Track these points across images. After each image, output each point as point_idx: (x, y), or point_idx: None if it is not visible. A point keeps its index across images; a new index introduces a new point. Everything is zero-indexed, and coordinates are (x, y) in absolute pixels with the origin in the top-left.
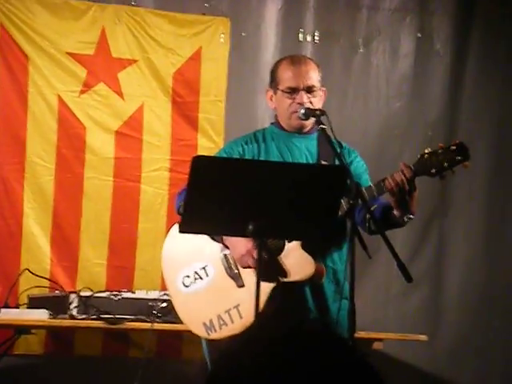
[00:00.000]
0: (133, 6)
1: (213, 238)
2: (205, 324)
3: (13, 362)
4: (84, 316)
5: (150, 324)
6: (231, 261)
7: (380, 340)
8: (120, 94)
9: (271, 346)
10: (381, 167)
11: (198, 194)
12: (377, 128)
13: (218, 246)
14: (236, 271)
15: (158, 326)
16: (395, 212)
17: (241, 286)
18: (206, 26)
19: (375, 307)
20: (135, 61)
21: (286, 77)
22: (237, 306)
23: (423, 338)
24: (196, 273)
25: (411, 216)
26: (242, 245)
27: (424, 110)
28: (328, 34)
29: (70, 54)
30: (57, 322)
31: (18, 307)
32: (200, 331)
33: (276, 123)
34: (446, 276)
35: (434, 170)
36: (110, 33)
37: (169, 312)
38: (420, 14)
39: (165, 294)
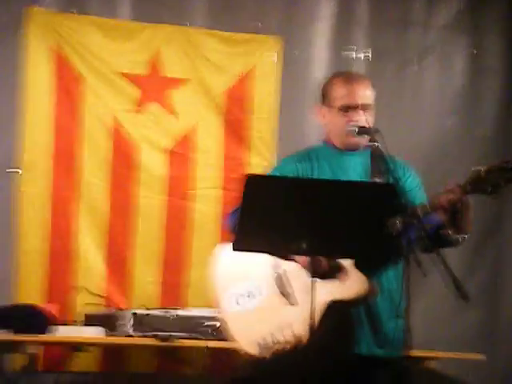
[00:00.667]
0: (186, 26)
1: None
2: (258, 342)
3: (70, 379)
4: (139, 334)
5: (203, 342)
6: (284, 279)
7: (434, 359)
8: (173, 112)
9: None
10: (433, 185)
11: (252, 212)
12: (429, 145)
13: (269, 263)
14: (289, 289)
15: (211, 343)
16: (448, 230)
17: (294, 304)
18: (258, 44)
19: (430, 325)
20: (188, 80)
21: (342, 94)
22: (290, 325)
23: (479, 357)
24: (248, 291)
25: (465, 236)
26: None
27: (477, 128)
28: (380, 52)
29: (124, 74)
30: (112, 340)
31: (74, 325)
32: (254, 350)
33: (328, 141)
34: (503, 295)
35: (489, 189)
36: (163, 53)
37: (221, 329)
38: (473, 31)
39: (218, 312)
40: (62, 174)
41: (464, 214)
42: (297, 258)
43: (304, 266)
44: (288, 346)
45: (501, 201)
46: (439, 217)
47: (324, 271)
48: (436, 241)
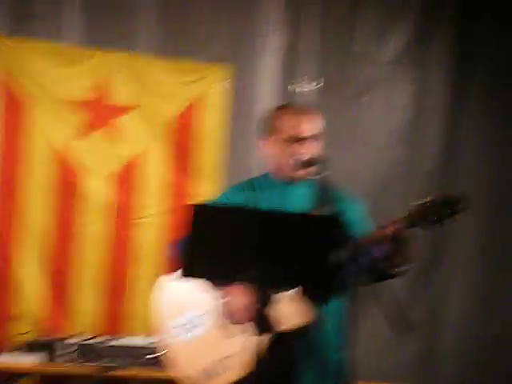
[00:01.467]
0: (134, 52)
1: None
2: (199, 372)
3: None
4: (79, 361)
5: (145, 371)
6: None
7: None
8: (119, 140)
9: None
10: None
11: (199, 241)
12: (374, 177)
13: (213, 294)
14: (227, 322)
15: (150, 373)
16: (384, 264)
17: (233, 336)
18: (207, 72)
19: (371, 356)
20: (136, 106)
21: (288, 126)
22: (230, 356)
23: None
24: (192, 321)
25: (409, 266)
26: (239, 300)
27: (421, 161)
28: (329, 83)
29: (70, 101)
30: (51, 368)
31: (12, 353)
32: (195, 379)
33: (272, 171)
34: (442, 325)
35: (424, 223)
36: (111, 79)
37: (161, 358)
38: (418, 66)
39: (160, 341)
40: (3, 200)
41: (407, 245)
42: (231, 314)
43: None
44: (230, 378)
45: (442, 233)
46: (382, 249)
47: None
48: (377, 274)
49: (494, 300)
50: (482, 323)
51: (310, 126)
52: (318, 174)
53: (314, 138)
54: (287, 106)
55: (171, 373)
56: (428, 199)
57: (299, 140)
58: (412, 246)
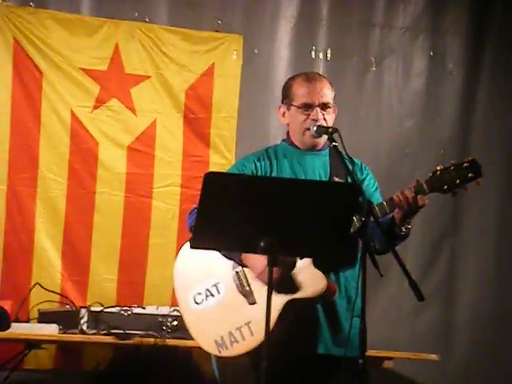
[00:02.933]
0: (146, 22)
1: (226, 256)
2: (216, 341)
3: (23, 377)
4: (94, 331)
5: (160, 340)
6: (243, 278)
7: (390, 359)
8: (132, 109)
9: None
10: (392, 185)
11: (210, 210)
12: (389, 146)
13: (229, 263)
14: (247, 288)
15: (168, 341)
16: (397, 226)
17: (252, 303)
18: (218, 42)
19: (386, 325)
20: (148, 77)
21: (301, 93)
22: (248, 323)
23: (434, 357)
24: (207, 290)
25: (409, 226)
26: (261, 264)
27: (436, 129)
28: (341, 52)
29: (84, 70)
30: (67, 337)
31: (28, 322)
32: (211, 348)
33: (288, 140)
34: (458, 294)
35: (445, 187)
36: (123, 49)
37: (179, 328)
38: (432, 33)
39: (175, 310)
40: (18, 169)
41: (418, 211)
42: (252, 269)
43: (257, 277)
44: (247, 345)
45: (457, 201)
46: (394, 215)
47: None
48: (383, 238)
49: (508, 271)
50: (497, 294)
51: (322, 93)
52: (331, 142)
53: (326, 105)
54: (300, 75)
55: (190, 341)
56: (451, 163)
57: (311, 107)
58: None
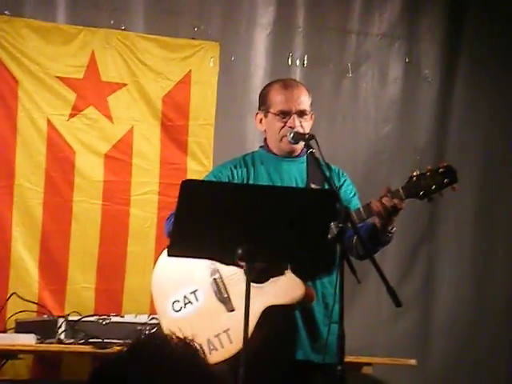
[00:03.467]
0: (123, 30)
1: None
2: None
3: None
4: (72, 340)
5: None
6: (221, 285)
7: (369, 364)
8: (109, 117)
9: None
10: (369, 191)
11: (187, 218)
12: (365, 152)
13: (207, 270)
14: (226, 295)
15: None
16: (380, 231)
17: (231, 310)
18: (195, 50)
19: (364, 331)
20: (125, 84)
21: (279, 100)
22: (227, 331)
23: (412, 362)
24: (186, 297)
25: (393, 230)
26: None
27: (412, 135)
28: (317, 59)
29: (60, 78)
30: (44, 347)
31: (5, 332)
32: None
33: (265, 146)
34: (435, 300)
35: (422, 193)
36: (99, 57)
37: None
38: (408, 40)
39: (153, 318)
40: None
41: (395, 216)
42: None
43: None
44: (226, 353)
45: (433, 207)
46: (372, 221)
47: (260, 270)
48: (370, 244)
49: (485, 275)
50: (474, 298)
51: (299, 100)
52: (308, 149)
53: (303, 112)
54: (277, 81)
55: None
56: (427, 169)
57: (288, 114)
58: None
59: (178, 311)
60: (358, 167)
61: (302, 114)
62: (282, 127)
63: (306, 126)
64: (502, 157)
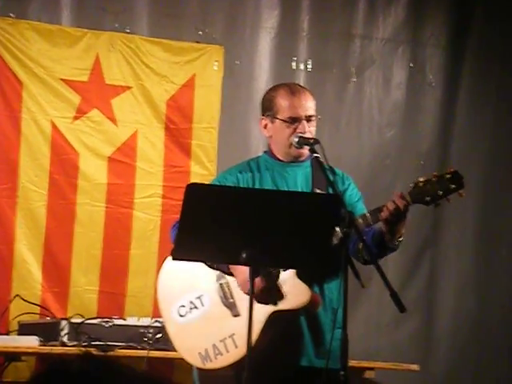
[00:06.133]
0: (127, 33)
1: (212, 267)
2: (200, 354)
3: None
4: (75, 343)
5: (142, 351)
6: (227, 290)
7: (372, 369)
8: (113, 120)
9: None
10: (373, 195)
11: (192, 222)
12: (369, 156)
13: (213, 275)
14: (231, 300)
15: (151, 353)
16: (387, 238)
17: (236, 315)
18: (199, 53)
19: (367, 336)
20: (129, 87)
21: (287, 106)
22: (232, 336)
23: (415, 367)
24: (191, 302)
25: (401, 239)
26: (244, 275)
27: (416, 140)
28: (321, 63)
29: (64, 81)
30: (47, 349)
31: (8, 334)
32: (195, 361)
33: (269, 152)
34: (438, 305)
35: (428, 199)
36: (104, 60)
37: (160, 339)
38: (412, 45)
39: (156, 321)
40: (4, 178)
41: (403, 222)
42: (237, 277)
43: (240, 285)
44: (231, 358)
45: (436, 213)
46: (377, 225)
47: (259, 292)
48: (376, 249)
49: (487, 281)
50: (476, 304)
51: (306, 105)
52: (313, 153)
53: (310, 117)
54: (283, 87)
55: (173, 353)
56: (433, 175)
57: (296, 120)
58: (405, 221)
59: (183, 316)
60: (362, 171)
61: (309, 119)
62: (292, 133)
63: (312, 131)
64: (506, 163)
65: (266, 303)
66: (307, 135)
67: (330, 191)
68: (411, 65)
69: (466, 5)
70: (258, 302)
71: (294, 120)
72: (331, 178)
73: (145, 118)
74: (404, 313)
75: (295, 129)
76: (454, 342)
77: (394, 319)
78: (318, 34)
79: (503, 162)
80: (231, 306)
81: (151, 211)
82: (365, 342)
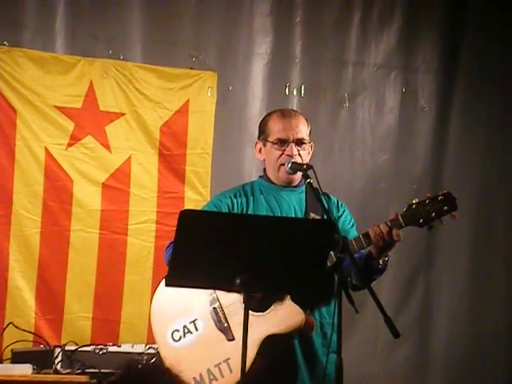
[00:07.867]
0: (121, 60)
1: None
2: (195, 379)
3: None
4: (69, 370)
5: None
6: (220, 314)
7: None
8: (107, 146)
9: None
10: (366, 220)
11: (186, 248)
12: (362, 181)
13: (207, 299)
14: (226, 324)
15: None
16: (372, 258)
17: (231, 339)
18: (193, 79)
19: (361, 361)
20: (123, 114)
21: (277, 129)
22: (227, 360)
23: None
24: (185, 327)
25: (386, 258)
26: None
27: (409, 164)
28: (314, 89)
29: (58, 108)
30: (41, 377)
31: (1, 362)
32: None
33: (264, 176)
34: (432, 330)
35: (421, 220)
36: (97, 86)
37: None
38: (404, 70)
39: (150, 348)
40: None
41: (393, 245)
42: None
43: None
44: (225, 383)
45: (430, 237)
46: (369, 250)
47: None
48: (363, 272)
49: (482, 303)
50: (471, 328)
51: (297, 128)
52: (306, 179)
53: (301, 141)
54: (277, 111)
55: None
56: (426, 196)
57: (285, 142)
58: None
59: (177, 341)
60: (355, 196)
61: (300, 142)
62: (280, 156)
63: (303, 154)
64: (499, 186)
65: (259, 328)
66: (296, 158)
67: (324, 217)
68: (403, 90)
69: (456, 30)
70: (258, 309)
71: (282, 142)
72: (325, 203)
73: (139, 144)
74: (398, 338)
75: (284, 151)
76: (449, 367)
77: (389, 344)
78: (311, 59)
79: (495, 186)
80: (225, 331)
81: (145, 237)
82: (360, 367)
